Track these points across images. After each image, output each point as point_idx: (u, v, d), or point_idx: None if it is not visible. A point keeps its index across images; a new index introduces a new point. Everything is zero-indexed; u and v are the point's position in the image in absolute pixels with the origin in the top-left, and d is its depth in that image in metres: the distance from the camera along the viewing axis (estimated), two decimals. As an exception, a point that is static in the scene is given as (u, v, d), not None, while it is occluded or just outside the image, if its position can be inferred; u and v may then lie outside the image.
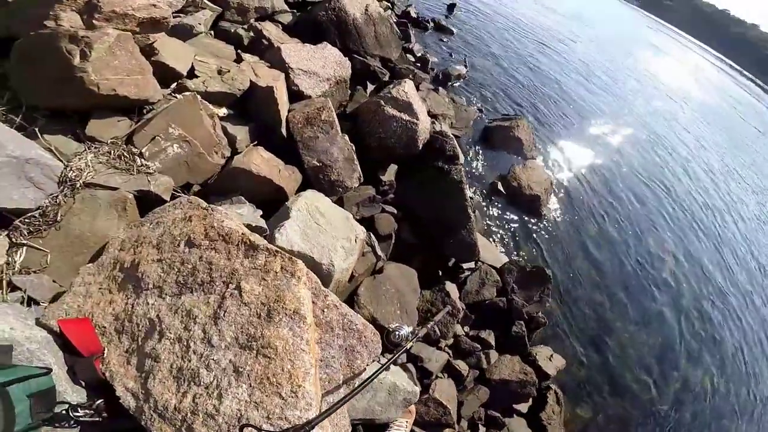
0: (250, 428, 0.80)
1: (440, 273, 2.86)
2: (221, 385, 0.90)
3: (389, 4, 6.45)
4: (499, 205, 3.81)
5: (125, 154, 1.81)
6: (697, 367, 3.67)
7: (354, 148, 2.48)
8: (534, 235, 3.78)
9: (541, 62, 8.07)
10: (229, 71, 2.38)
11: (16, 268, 1.35)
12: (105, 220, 1.58)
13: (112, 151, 1.79)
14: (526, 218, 3.85)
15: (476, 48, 7.12)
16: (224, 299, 0.98)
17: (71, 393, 0.95)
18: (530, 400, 2.83)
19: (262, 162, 2.04)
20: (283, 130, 2.36)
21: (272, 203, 1.98)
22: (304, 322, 0.96)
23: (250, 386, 0.90)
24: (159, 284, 1.03)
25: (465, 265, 2.93)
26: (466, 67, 5.91)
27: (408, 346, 1.51)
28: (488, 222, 3.61)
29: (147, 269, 1.08)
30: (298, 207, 1.74)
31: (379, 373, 1.03)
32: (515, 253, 3.55)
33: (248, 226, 1.57)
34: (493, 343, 3.00)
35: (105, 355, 1.02)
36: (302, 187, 2.23)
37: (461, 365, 2.75)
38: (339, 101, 3.13)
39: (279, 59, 2.70)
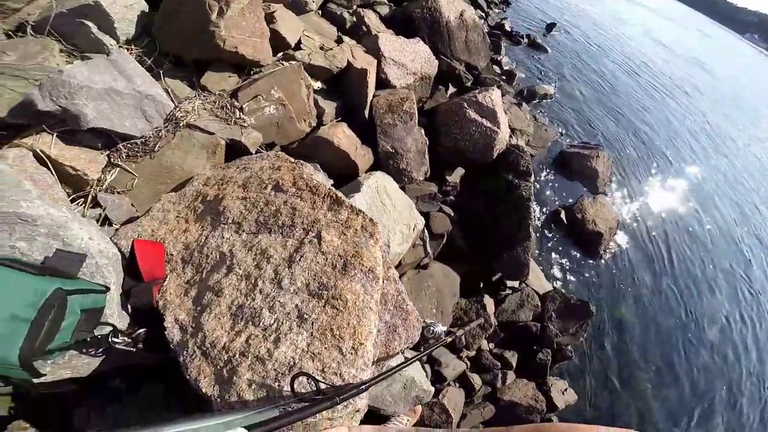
0: (304, 377, 0.74)
1: (481, 285, 2.83)
2: (281, 329, 0.85)
3: (483, 14, 6.36)
4: (558, 234, 3.66)
5: (228, 106, 1.99)
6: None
7: (428, 142, 2.52)
8: (585, 272, 3.60)
9: (639, 100, 7.43)
10: (331, 49, 2.51)
11: (105, 186, 1.50)
12: (195, 158, 1.74)
13: (217, 102, 1.97)
14: (581, 253, 3.67)
15: (570, 72, 6.79)
16: (302, 245, 0.95)
17: (116, 318, 0.93)
18: (531, 427, 2.76)
19: (343, 137, 2.15)
20: (366, 113, 2.46)
21: (343, 177, 2.07)
22: (376, 282, 0.93)
23: (312, 335, 0.85)
24: (239, 220, 1.03)
25: (509, 283, 2.88)
26: (554, 88, 5.69)
27: (447, 341, 1.52)
28: (542, 247, 3.49)
29: (230, 204, 1.09)
30: (368, 184, 1.82)
31: (422, 356, 1.05)
32: (561, 283, 3.41)
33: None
34: (514, 364, 2.91)
35: (165, 282, 0.99)
36: (372, 169, 2.31)
37: (476, 379, 2.69)
38: (420, 97, 3.17)
39: (375, 46, 2.78)
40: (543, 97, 5.22)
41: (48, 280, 0.80)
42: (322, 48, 2.56)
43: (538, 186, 3.93)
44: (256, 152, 1.97)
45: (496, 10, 7.64)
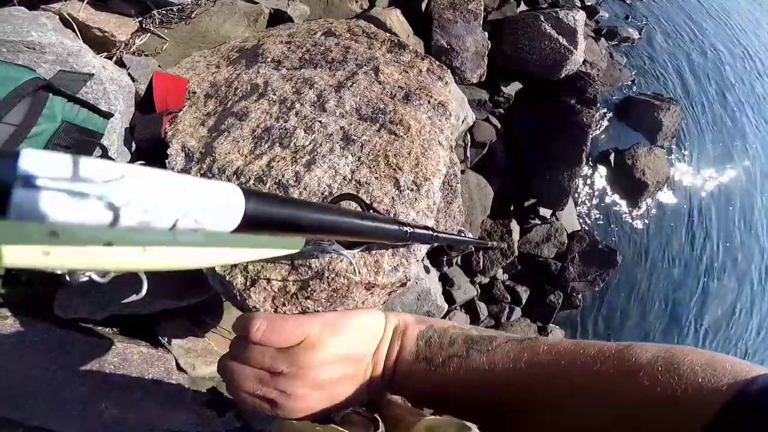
0: (351, 201, 0.50)
1: (512, 208, 2.66)
2: (318, 151, 0.62)
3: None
4: (601, 175, 3.35)
5: None
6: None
7: (490, 45, 2.23)
8: (619, 221, 3.33)
9: (741, 74, 6.11)
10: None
11: (132, 49, 1.37)
12: (234, 24, 1.58)
13: None
14: (621, 200, 3.37)
15: (664, 23, 5.67)
16: (355, 75, 0.74)
17: (113, 152, 0.77)
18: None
19: (396, 21, 1.93)
20: (423, 6, 2.18)
21: (392, 64, 1.90)
22: (447, 119, 0.70)
23: (359, 160, 0.62)
24: (279, 59, 0.84)
25: (541, 211, 2.69)
26: (640, 34, 4.86)
27: (488, 245, 1.30)
28: (582, 184, 3.23)
29: (270, 47, 0.89)
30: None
31: (474, 243, 0.89)
32: (592, 225, 3.19)
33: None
34: (523, 301, 2.84)
35: (180, 113, 0.81)
36: (423, 63, 2.10)
37: (483, 308, 2.63)
38: (486, 4, 2.77)
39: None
40: (624, 40, 4.50)
41: (27, 71, 0.61)
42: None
43: (597, 124, 3.53)
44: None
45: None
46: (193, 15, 1.62)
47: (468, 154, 2.06)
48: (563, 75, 2.45)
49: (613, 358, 0.33)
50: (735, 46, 7.23)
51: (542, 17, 2.48)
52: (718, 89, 5.52)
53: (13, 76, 0.58)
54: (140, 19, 1.44)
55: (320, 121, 0.67)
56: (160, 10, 1.48)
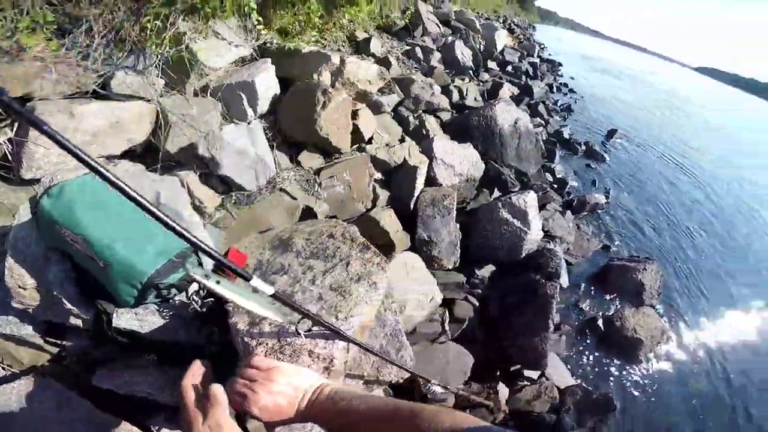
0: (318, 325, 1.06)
1: (498, 373, 2.93)
2: (313, 299, 1.36)
3: (543, 122, 6.90)
4: (592, 339, 3.64)
5: (311, 180, 2.62)
6: None
7: (460, 236, 2.92)
8: (621, 377, 3.47)
9: (706, 215, 6.91)
10: (393, 146, 3.17)
11: (213, 220, 2.12)
12: (278, 215, 2.31)
13: (305, 176, 2.62)
14: (619, 359, 3.57)
15: (626, 182, 6.84)
16: (335, 267, 1.42)
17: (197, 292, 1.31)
18: None
19: (389, 220, 2.64)
20: (411, 205, 2.95)
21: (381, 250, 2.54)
22: (375, 291, 1.34)
23: (321, 308, 1.33)
24: (300, 250, 1.53)
25: (527, 373, 2.95)
26: (606, 198, 5.81)
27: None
28: (574, 350, 3.50)
29: (297, 241, 1.59)
30: (398, 259, 2.27)
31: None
32: (592, 382, 3.34)
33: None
34: None
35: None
36: (408, 251, 2.74)
37: None
38: (464, 197, 3.63)
39: (429, 148, 3.36)
40: (594, 207, 5.32)
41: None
42: (387, 144, 3.22)
43: (574, 295, 4.02)
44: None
45: (557, 118, 8.19)
46: (254, 201, 2.33)
47: (446, 328, 2.50)
48: (524, 254, 3.05)
49: (407, 411, 0.64)
50: (704, 188, 8.01)
51: (499, 204, 3.22)
52: (689, 239, 6.02)
53: (184, 245, 1.21)
54: (223, 197, 2.20)
55: (310, 289, 1.37)
56: (237, 192, 2.25)
